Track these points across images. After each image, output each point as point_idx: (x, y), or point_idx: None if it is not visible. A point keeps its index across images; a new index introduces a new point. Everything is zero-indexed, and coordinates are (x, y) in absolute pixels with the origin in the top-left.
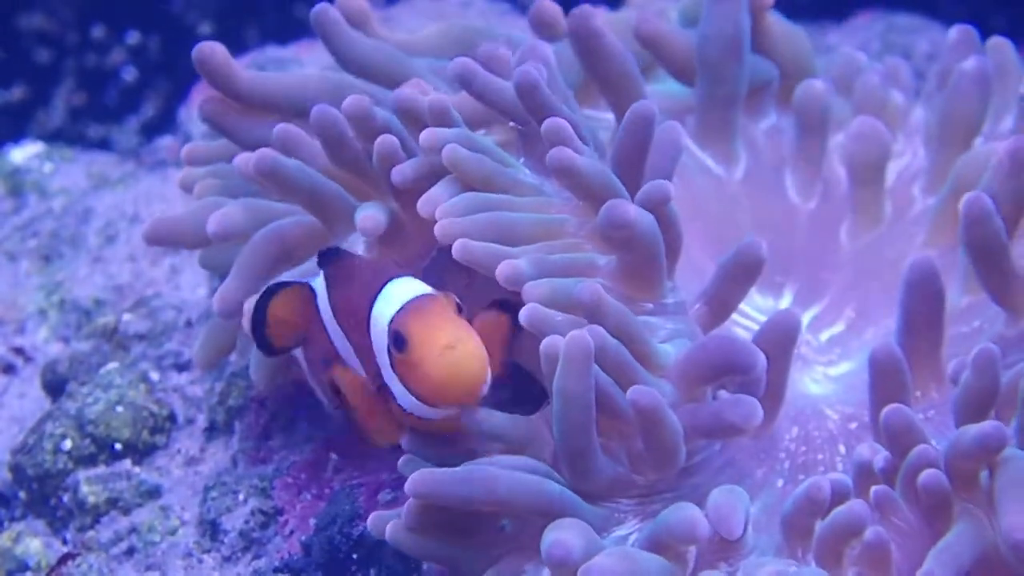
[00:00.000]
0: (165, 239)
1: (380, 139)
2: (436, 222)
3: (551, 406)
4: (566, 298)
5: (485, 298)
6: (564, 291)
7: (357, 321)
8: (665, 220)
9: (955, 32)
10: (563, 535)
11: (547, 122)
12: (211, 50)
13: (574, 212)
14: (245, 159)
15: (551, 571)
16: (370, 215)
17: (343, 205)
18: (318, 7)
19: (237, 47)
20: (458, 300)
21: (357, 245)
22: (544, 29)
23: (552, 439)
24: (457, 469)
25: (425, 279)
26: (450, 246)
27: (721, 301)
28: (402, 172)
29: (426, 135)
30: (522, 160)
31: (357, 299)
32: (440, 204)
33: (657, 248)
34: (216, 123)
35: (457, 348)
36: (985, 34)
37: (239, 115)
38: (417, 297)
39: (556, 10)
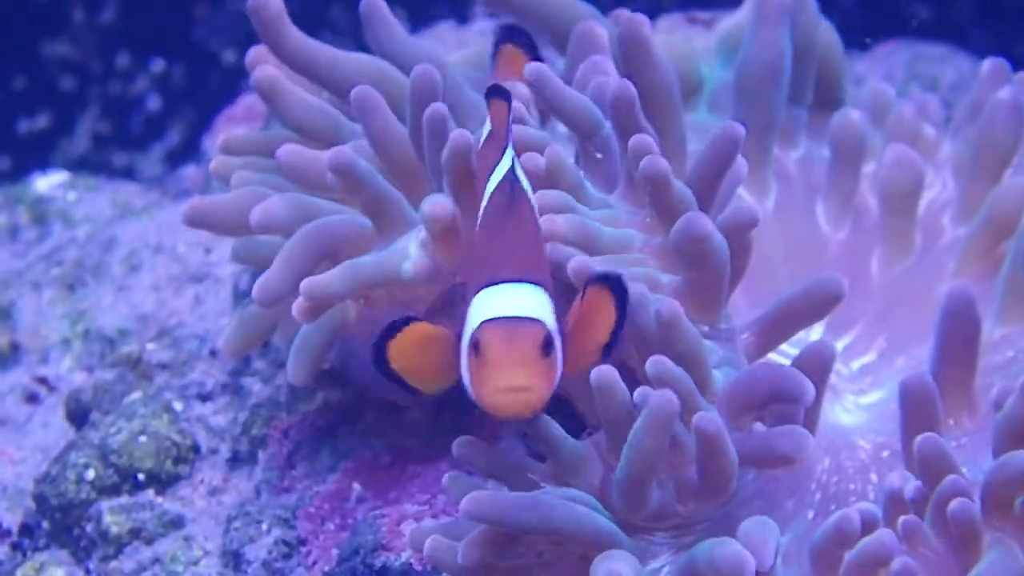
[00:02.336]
0: (204, 221)
1: (456, 133)
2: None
3: (603, 433)
4: (638, 295)
5: None
6: (638, 290)
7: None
8: (742, 246)
9: (988, 64)
10: (616, 565)
11: (637, 137)
12: (266, 2)
13: (640, 228)
14: (290, 152)
15: None
16: (439, 200)
17: (399, 211)
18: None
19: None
20: (551, 330)
21: (411, 246)
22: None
23: (601, 467)
24: (515, 495)
25: None
26: None
27: (776, 332)
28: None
29: (522, 132)
30: (582, 174)
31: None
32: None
33: (724, 269)
34: (267, 95)
35: (512, 396)
36: (1011, 62)
37: (290, 94)
38: (510, 319)
39: None
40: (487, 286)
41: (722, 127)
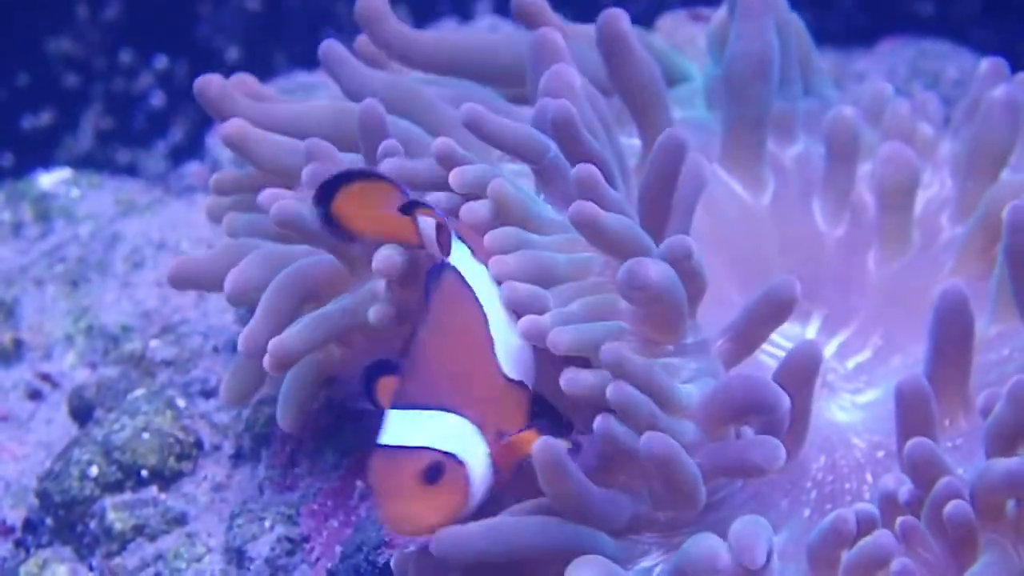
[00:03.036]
0: (188, 282)
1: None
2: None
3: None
4: (591, 343)
5: None
6: (589, 336)
7: None
8: (688, 272)
9: (986, 64)
10: (583, 572)
11: (577, 169)
12: (207, 83)
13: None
14: (268, 196)
15: None
16: (386, 255)
17: (363, 251)
18: (325, 44)
19: (265, 72)
20: (440, 459)
21: (379, 285)
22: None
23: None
24: (478, 525)
25: None
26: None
27: (747, 337)
28: (437, 202)
29: (457, 176)
30: (542, 196)
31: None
32: (482, 218)
33: (678, 300)
34: (236, 145)
35: (394, 524)
36: (1014, 60)
37: (260, 141)
38: (392, 449)
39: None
40: (394, 406)
41: (662, 136)
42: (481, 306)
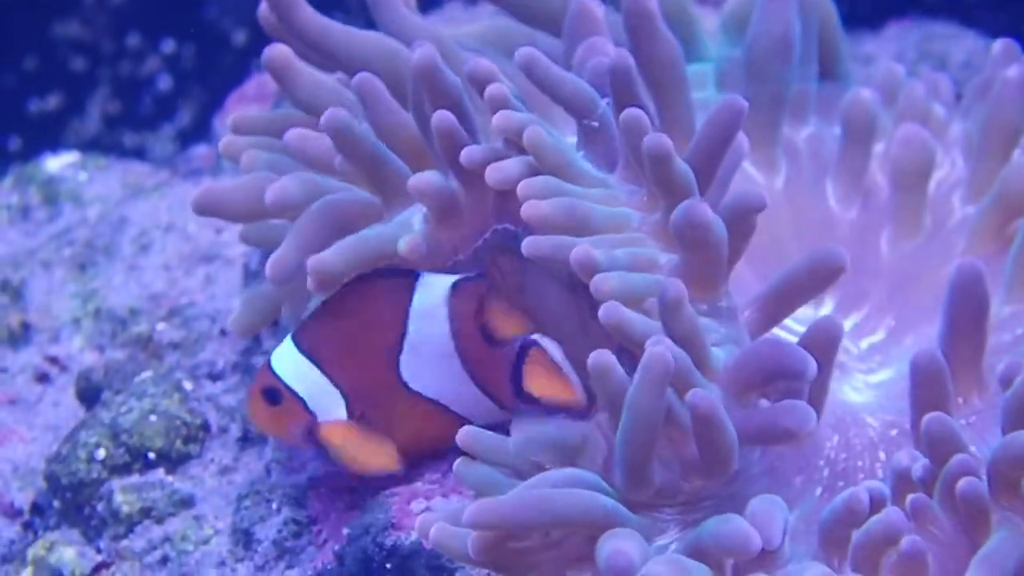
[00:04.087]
0: (214, 209)
1: (437, 116)
2: (498, 199)
3: (603, 415)
4: (635, 292)
5: (538, 286)
6: (633, 285)
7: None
8: (744, 229)
9: (999, 44)
10: (622, 544)
11: (627, 112)
12: None
13: (637, 207)
14: (298, 136)
15: None
16: (426, 177)
17: (403, 182)
18: None
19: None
20: (279, 387)
21: (414, 219)
22: None
23: (605, 446)
24: (510, 496)
25: (477, 259)
26: (504, 228)
27: (779, 305)
28: (471, 156)
29: (502, 118)
30: (581, 154)
31: None
32: (510, 176)
33: (723, 253)
34: (279, 75)
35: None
36: (1022, 42)
37: (302, 73)
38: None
39: None
40: (294, 338)
41: (723, 100)
42: (406, 319)
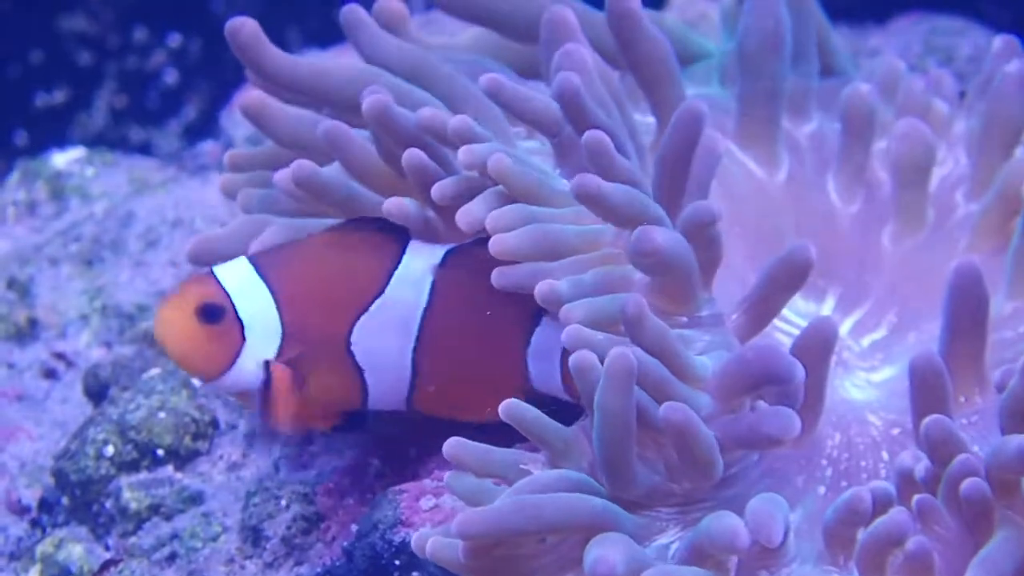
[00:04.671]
0: (207, 258)
1: (406, 155)
2: (471, 233)
3: (589, 418)
4: (604, 316)
5: (507, 307)
6: (601, 310)
7: None
8: (706, 241)
9: (999, 41)
10: (605, 551)
11: (586, 136)
12: (240, 24)
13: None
14: (284, 176)
15: None
16: (400, 204)
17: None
18: (347, 7)
19: (279, 48)
20: (222, 303)
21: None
22: None
23: (589, 449)
24: (500, 504)
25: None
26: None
27: (762, 308)
28: (442, 190)
29: (465, 152)
30: (558, 171)
31: None
32: (478, 218)
33: (688, 268)
34: (257, 120)
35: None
36: None
37: (279, 113)
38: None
39: None
40: (251, 259)
41: (681, 107)
42: (387, 281)
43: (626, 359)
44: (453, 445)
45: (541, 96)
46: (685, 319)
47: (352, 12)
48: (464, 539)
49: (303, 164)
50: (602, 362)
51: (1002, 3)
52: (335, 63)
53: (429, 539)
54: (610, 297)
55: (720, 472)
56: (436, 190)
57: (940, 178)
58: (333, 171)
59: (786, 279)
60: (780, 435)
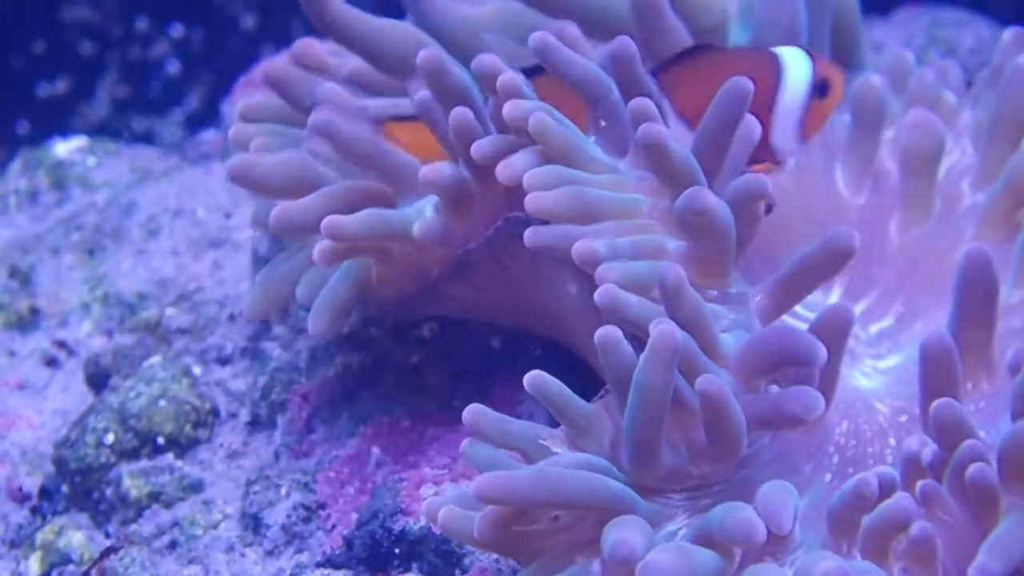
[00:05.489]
0: (250, 181)
1: (455, 112)
2: (510, 188)
3: (612, 395)
4: (639, 280)
5: (554, 280)
6: (637, 274)
7: None
8: (750, 214)
9: (1009, 32)
10: (626, 533)
11: (635, 101)
12: None
13: (647, 193)
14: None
15: (613, 568)
16: (435, 166)
17: (413, 174)
18: None
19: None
20: None
21: (427, 207)
22: None
23: (612, 427)
24: (525, 472)
25: (489, 248)
26: (515, 217)
27: (791, 290)
28: (481, 148)
29: (510, 107)
30: (593, 139)
31: None
32: (519, 170)
33: (729, 239)
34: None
35: None
36: None
37: (301, 83)
38: None
39: None
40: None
41: (728, 83)
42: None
43: (672, 336)
44: (473, 412)
45: (588, 61)
46: (715, 292)
47: None
48: (483, 500)
49: (327, 118)
50: (633, 326)
51: None
52: (390, 24)
53: (442, 508)
54: (648, 263)
55: (743, 451)
56: (476, 148)
57: (947, 168)
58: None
59: (825, 262)
60: (805, 414)
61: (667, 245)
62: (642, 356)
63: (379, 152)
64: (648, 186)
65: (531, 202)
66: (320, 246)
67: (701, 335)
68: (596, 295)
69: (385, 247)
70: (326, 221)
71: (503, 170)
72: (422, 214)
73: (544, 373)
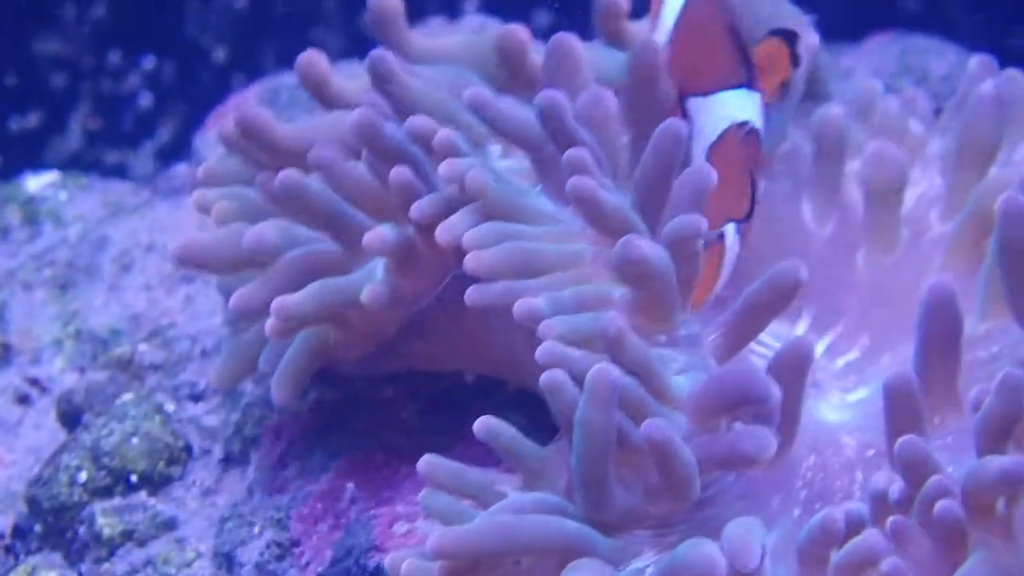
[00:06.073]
0: (194, 261)
1: (394, 171)
2: (453, 249)
3: (564, 439)
4: (581, 334)
5: (506, 327)
6: (579, 328)
7: None
8: (688, 255)
9: (975, 61)
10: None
11: (568, 152)
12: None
13: (592, 241)
14: (269, 177)
15: None
16: (378, 231)
17: (364, 231)
18: (376, 53)
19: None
20: None
21: (377, 268)
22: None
23: (567, 470)
24: (476, 524)
25: (440, 303)
26: (462, 274)
27: (743, 328)
28: (420, 209)
29: (446, 166)
30: (539, 187)
31: None
32: (458, 233)
33: (669, 283)
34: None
35: None
36: (1001, 56)
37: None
38: None
39: None
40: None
41: (662, 126)
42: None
43: (608, 375)
44: (427, 462)
45: (524, 112)
46: (663, 337)
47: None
48: (438, 558)
49: (290, 175)
50: (578, 381)
51: (976, 22)
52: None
53: (404, 561)
54: (590, 316)
55: (697, 493)
56: (415, 209)
57: (915, 198)
58: (320, 184)
59: (772, 297)
60: (757, 454)
61: (613, 294)
62: (582, 396)
63: (335, 214)
64: (592, 234)
65: (471, 262)
66: (270, 324)
67: (649, 381)
68: (537, 353)
69: (339, 314)
70: (275, 304)
71: (442, 233)
72: (373, 276)
73: (494, 419)
